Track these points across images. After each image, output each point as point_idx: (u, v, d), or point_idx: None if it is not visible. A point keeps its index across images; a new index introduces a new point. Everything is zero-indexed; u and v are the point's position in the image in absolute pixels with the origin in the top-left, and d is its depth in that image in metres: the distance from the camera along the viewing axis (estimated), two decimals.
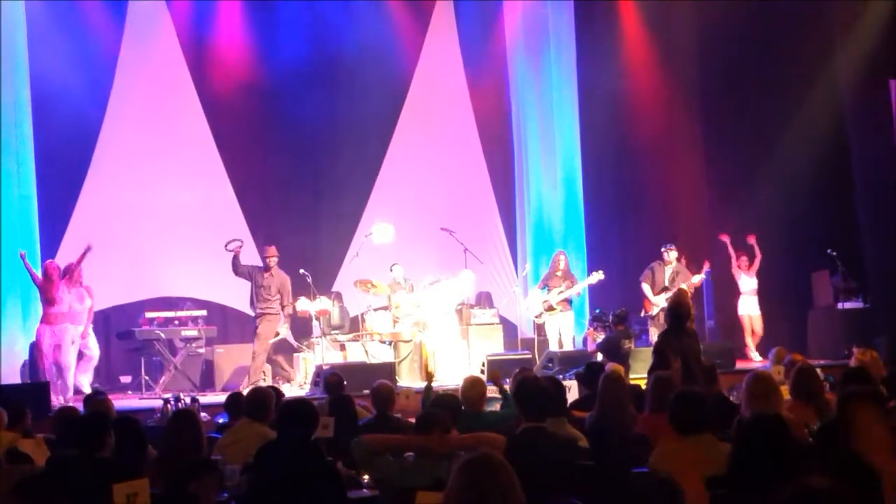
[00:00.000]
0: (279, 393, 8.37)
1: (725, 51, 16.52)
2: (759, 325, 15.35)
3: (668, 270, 14.35)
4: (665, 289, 14.10)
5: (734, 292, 15.63)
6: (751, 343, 15.29)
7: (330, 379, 9.43)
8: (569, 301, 14.32)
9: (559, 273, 14.25)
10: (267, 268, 13.46)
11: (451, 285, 14.16)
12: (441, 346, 13.92)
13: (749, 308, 15.41)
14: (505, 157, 16.72)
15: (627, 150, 16.86)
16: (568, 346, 14.08)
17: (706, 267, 15.03)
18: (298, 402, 6.27)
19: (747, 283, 15.41)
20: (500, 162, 16.73)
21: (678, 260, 14.56)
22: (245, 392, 8.30)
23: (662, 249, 14.40)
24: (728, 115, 16.69)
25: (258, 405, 7.13)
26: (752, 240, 15.39)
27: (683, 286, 13.64)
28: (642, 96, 16.81)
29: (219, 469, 6.04)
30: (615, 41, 16.74)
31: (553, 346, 14.10)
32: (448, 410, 6.61)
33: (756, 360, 14.84)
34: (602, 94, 16.42)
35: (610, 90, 16.52)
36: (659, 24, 16.76)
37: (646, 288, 14.39)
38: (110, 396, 9.21)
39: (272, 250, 13.60)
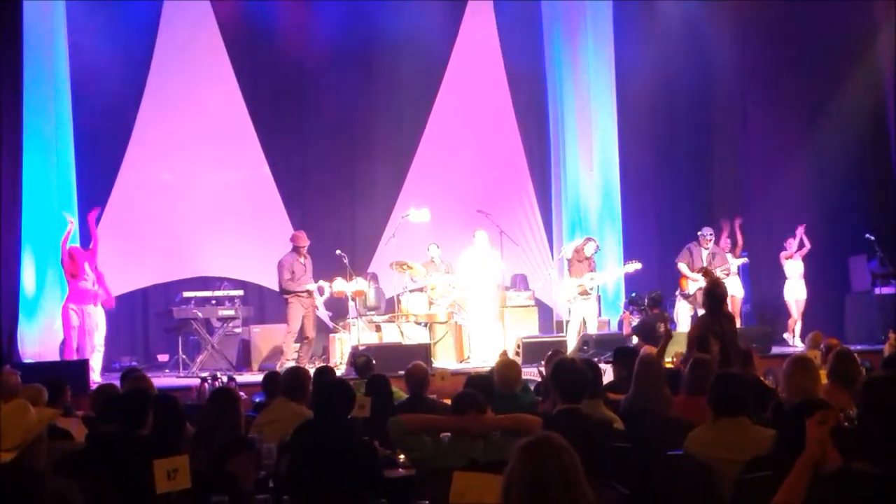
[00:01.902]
0: (330, 371, 8.46)
1: (766, 36, 16.39)
2: (801, 309, 15.25)
3: (705, 252, 14.34)
4: (703, 269, 14.08)
5: (772, 277, 15.54)
6: (795, 328, 15.20)
7: (358, 360, 9.50)
8: (594, 283, 14.33)
9: (584, 259, 14.25)
10: (298, 251, 13.48)
11: (471, 254, 14.17)
12: (477, 327, 13.95)
13: (797, 293, 15.28)
14: (541, 140, 16.67)
15: (664, 136, 16.77)
16: (592, 331, 14.08)
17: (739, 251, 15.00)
18: (336, 383, 6.30)
19: (794, 267, 15.29)
20: (536, 144, 16.69)
21: (716, 243, 14.54)
22: (282, 371, 8.33)
23: (699, 233, 14.37)
24: (767, 100, 16.54)
25: (295, 384, 7.18)
26: (800, 231, 15.26)
27: (718, 272, 13.58)
28: (680, 81, 16.69)
29: (256, 448, 6.10)
30: (654, 24, 16.62)
31: (573, 331, 14.10)
32: (482, 392, 6.62)
33: (793, 345, 14.78)
34: (639, 79, 16.34)
35: (647, 75, 16.43)
36: (699, 6, 16.62)
37: (683, 267, 14.37)
38: (147, 374, 9.29)
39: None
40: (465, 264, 14.23)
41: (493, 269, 14.39)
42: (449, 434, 5.85)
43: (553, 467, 3.50)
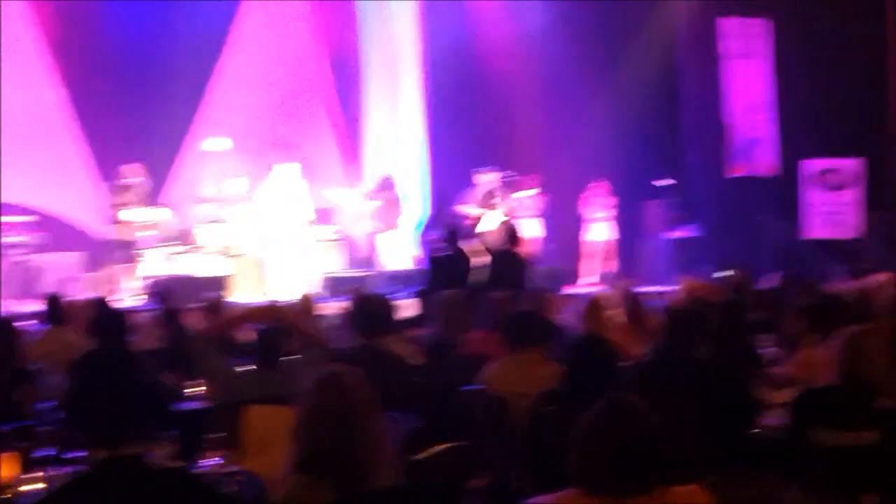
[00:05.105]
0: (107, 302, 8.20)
1: None
2: (612, 250, 15.57)
3: (482, 192, 14.54)
4: (487, 207, 14.27)
5: (572, 218, 15.83)
6: (589, 268, 15.51)
7: (158, 290, 9.33)
8: (395, 220, 14.41)
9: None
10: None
11: (270, 187, 14.04)
12: (279, 262, 13.84)
13: (601, 234, 15.58)
14: (350, 76, 16.51)
15: (470, 86, 16.78)
16: (397, 265, 14.21)
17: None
18: (112, 313, 6.17)
19: (599, 211, 15.58)
20: (343, 81, 16.50)
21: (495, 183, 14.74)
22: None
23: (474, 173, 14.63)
24: (570, 49, 16.69)
25: (57, 311, 7.06)
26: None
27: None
28: (486, 31, 16.77)
29: (37, 378, 5.89)
30: None
31: (386, 265, 14.20)
32: None
33: (587, 284, 15.19)
34: (446, 31, 16.33)
35: (455, 27, 16.44)
36: None
37: (466, 208, 14.46)
38: None
39: None
40: (263, 197, 14.06)
41: (299, 203, 14.27)
42: (249, 368, 5.82)
43: (345, 401, 3.53)
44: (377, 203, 14.50)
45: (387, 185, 14.57)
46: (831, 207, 16.34)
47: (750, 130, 16.86)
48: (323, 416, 3.49)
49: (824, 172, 16.40)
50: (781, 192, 16.47)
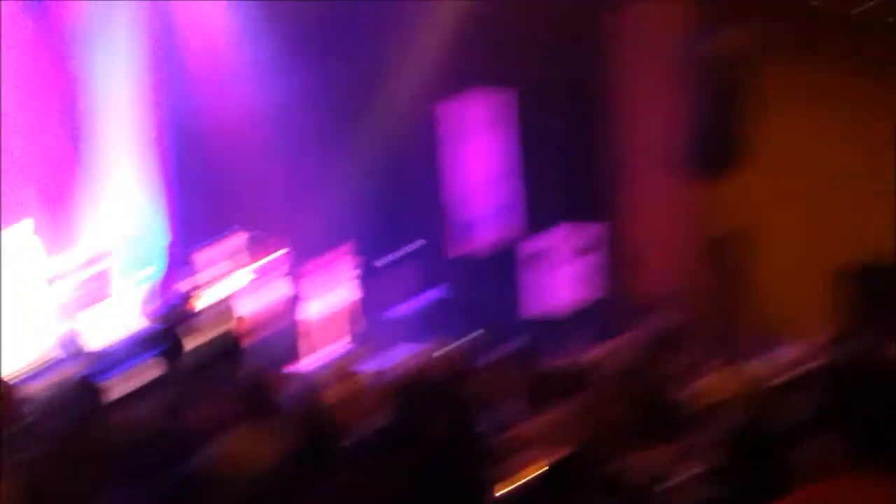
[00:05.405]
0: None
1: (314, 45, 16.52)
2: (348, 318, 15.29)
3: (223, 256, 14.19)
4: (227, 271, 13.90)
5: (314, 284, 15.61)
6: (322, 339, 15.16)
7: None
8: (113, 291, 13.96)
9: None
10: None
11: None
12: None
13: (338, 301, 15.32)
14: (78, 136, 15.88)
15: (215, 143, 16.34)
16: (114, 338, 13.69)
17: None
18: None
19: (338, 278, 15.35)
20: (73, 142, 15.85)
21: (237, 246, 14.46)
22: None
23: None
24: (318, 114, 16.57)
25: None
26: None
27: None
28: (233, 96, 16.51)
29: None
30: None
31: (102, 339, 13.60)
32: None
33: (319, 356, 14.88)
34: (192, 87, 16.03)
35: (200, 86, 16.16)
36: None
37: (200, 277, 14.05)
38: None
39: None
40: None
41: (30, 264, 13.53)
42: None
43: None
44: (94, 272, 13.80)
45: (105, 254, 13.93)
46: (575, 272, 16.74)
47: (490, 201, 17.09)
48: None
49: (565, 238, 16.83)
50: (526, 260, 16.83)
